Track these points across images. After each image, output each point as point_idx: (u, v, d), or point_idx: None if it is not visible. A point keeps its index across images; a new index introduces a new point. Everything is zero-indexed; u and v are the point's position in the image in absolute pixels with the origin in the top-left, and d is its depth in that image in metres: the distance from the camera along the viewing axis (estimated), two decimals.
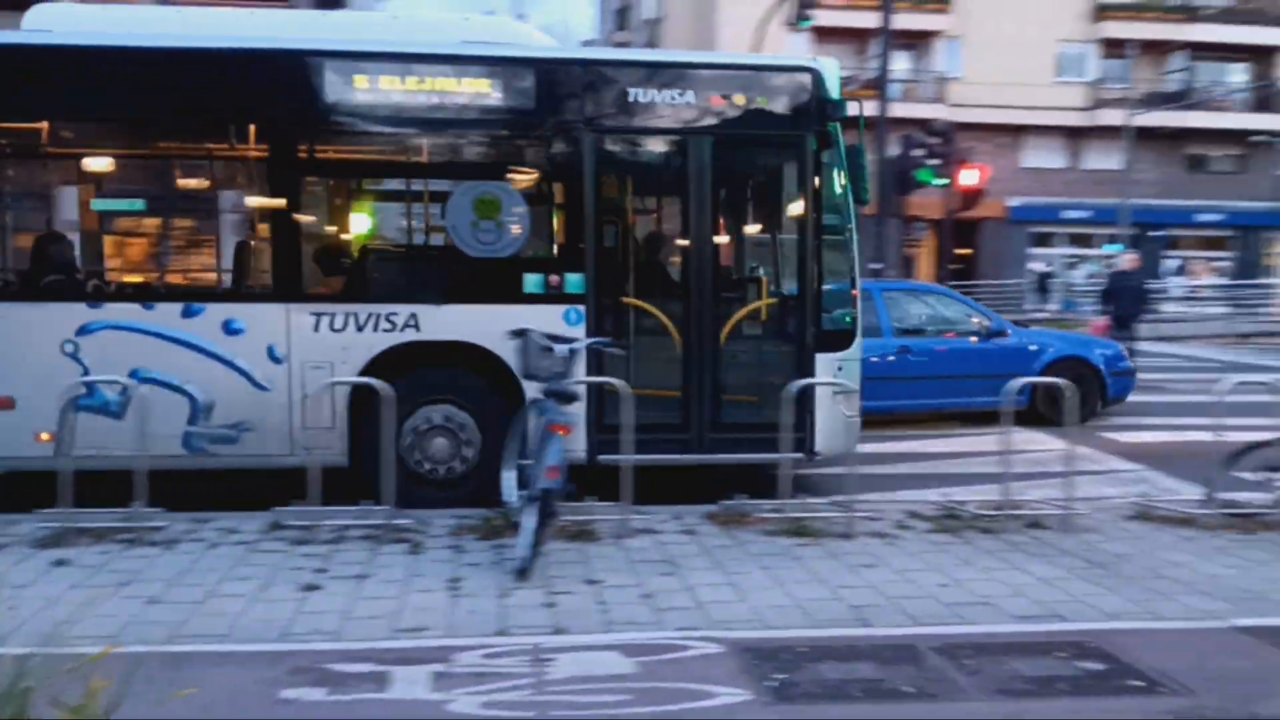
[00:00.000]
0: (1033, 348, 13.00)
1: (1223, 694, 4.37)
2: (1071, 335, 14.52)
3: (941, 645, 4.88)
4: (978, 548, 6.61)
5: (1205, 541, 6.86)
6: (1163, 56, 37.99)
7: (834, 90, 7.94)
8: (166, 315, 7.46)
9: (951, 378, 12.67)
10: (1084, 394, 11.68)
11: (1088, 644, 4.92)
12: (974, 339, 12.92)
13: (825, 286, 8.03)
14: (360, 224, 8.60)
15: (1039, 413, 12.28)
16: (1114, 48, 36.97)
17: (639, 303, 8.12)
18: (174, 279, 9.02)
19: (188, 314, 7.48)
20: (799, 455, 7.89)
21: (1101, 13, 37.90)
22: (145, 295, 7.92)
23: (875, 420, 11.51)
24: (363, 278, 8.06)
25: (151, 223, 9.01)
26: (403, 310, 7.60)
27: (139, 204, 8.78)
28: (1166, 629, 5.18)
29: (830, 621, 5.20)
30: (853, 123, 7.95)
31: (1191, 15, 38.01)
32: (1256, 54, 38.68)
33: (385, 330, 7.60)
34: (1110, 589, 5.78)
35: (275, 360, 7.51)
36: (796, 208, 8.13)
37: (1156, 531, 7.10)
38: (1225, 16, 38.10)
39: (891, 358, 12.34)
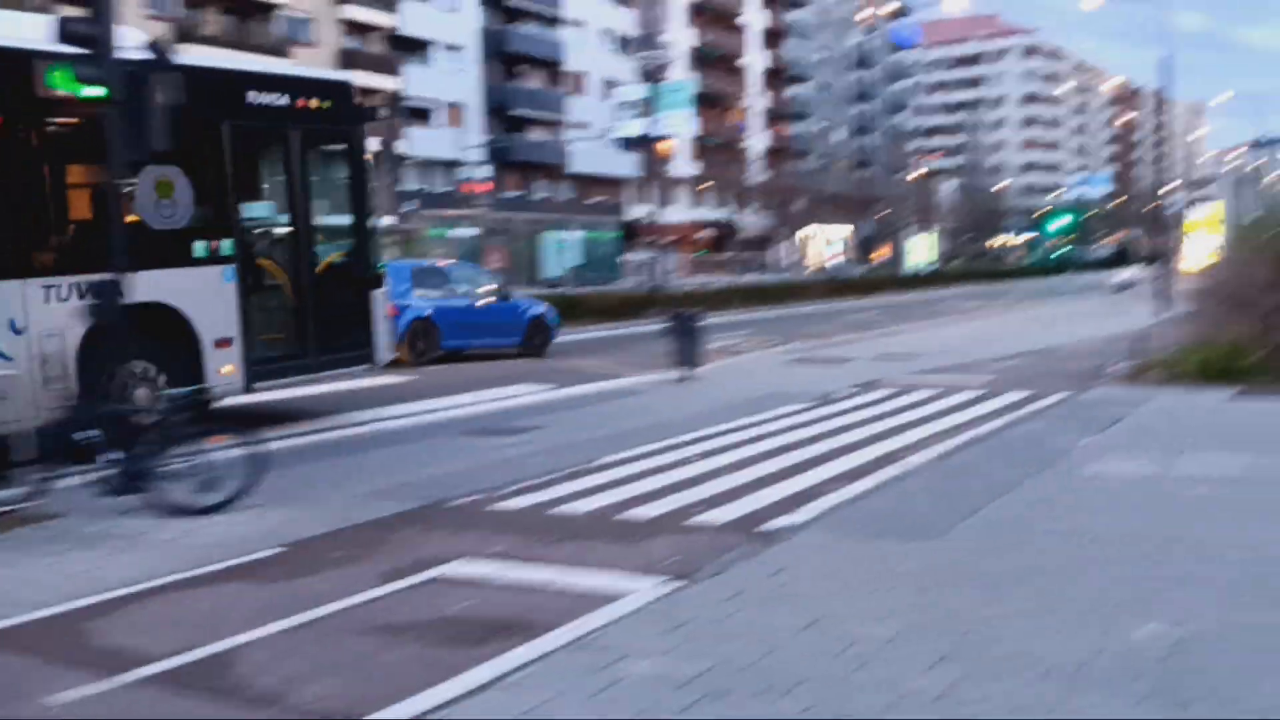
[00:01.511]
0: (523, 308, 19.53)
1: None
2: (527, 301, 20.65)
3: None
4: None
5: None
6: None
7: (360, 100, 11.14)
8: None
9: (493, 325, 18.72)
10: (543, 339, 19.29)
11: None
12: (494, 300, 18.92)
13: (372, 247, 11.48)
14: (71, 204, 9.35)
15: (527, 350, 18.89)
16: None
17: (266, 261, 10.66)
18: None
19: None
20: (370, 365, 11.28)
21: None
22: None
23: (458, 356, 17.80)
24: (79, 252, 8.89)
25: None
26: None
27: None
28: None
29: None
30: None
31: None
32: None
33: None
34: None
35: (16, 332, 8.36)
36: (359, 189, 11.39)
37: None
38: None
39: (463, 311, 18.20)
